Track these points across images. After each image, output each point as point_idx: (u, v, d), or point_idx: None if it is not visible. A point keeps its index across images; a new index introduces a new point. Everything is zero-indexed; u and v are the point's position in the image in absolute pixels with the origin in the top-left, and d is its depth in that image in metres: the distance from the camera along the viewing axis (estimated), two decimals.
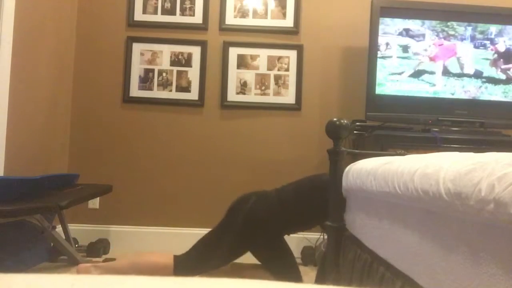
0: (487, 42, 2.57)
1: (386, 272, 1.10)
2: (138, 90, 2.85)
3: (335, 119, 1.60)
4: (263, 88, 2.85)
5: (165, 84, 2.86)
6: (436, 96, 2.55)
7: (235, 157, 2.82)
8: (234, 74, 2.85)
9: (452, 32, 2.55)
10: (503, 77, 2.57)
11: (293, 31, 2.87)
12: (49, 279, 0.39)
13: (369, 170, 1.25)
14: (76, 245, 2.57)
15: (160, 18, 2.88)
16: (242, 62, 2.86)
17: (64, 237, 2.28)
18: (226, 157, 2.81)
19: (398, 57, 2.54)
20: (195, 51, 2.86)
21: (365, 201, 1.36)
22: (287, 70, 2.86)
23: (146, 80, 2.86)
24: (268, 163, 2.82)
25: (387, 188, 1.06)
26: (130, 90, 2.85)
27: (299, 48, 2.85)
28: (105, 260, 2.14)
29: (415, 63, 2.54)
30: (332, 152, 1.60)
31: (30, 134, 2.39)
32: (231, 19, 2.86)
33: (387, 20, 2.53)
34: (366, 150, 2.26)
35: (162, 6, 2.88)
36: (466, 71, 2.55)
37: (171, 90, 2.85)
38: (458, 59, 2.56)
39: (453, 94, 2.55)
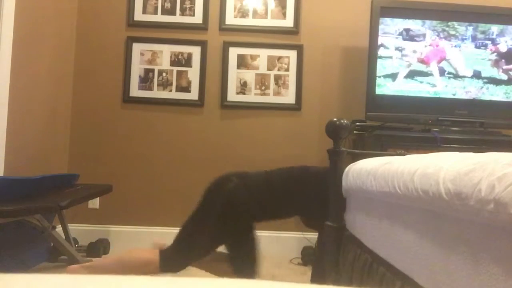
0: (489, 42, 2.56)
1: (386, 272, 1.10)
2: (138, 90, 2.85)
3: (335, 119, 1.60)
4: (263, 88, 2.85)
5: (165, 84, 2.86)
6: (437, 96, 2.55)
7: (235, 157, 2.82)
8: (234, 74, 2.85)
9: (453, 32, 2.55)
10: (505, 77, 2.57)
11: (293, 31, 2.87)
12: (49, 279, 0.39)
13: (369, 170, 1.25)
14: (76, 245, 2.57)
15: (160, 18, 2.88)
16: (242, 62, 2.86)
17: (64, 237, 2.28)
18: (226, 157, 2.81)
19: (396, 57, 2.54)
20: (195, 51, 2.86)
21: (365, 201, 1.36)
22: (287, 70, 2.86)
23: (146, 80, 2.86)
24: (268, 163, 2.81)
25: (387, 188, 1.06)
26: (130, 90, 2.85)
27: (299, 48, 2.85)
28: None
29: (407, 64, 2.54)
30: (332, 152, 1.60)
31: (30, 134, 2.39)
32: (231, 19, 2.86)
33: (387, 20, 2.53)
34: (366, 150, 2.26)
35: (162, 6, 2.88)
36: (461, 72, 2.55)
37: (171, 90, 2.85)
38: (448, 61, 2.55)
39: (454, 95, 2.55)
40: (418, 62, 2.54)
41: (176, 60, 2.87)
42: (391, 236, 1.10)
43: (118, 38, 2.87)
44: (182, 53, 2.87)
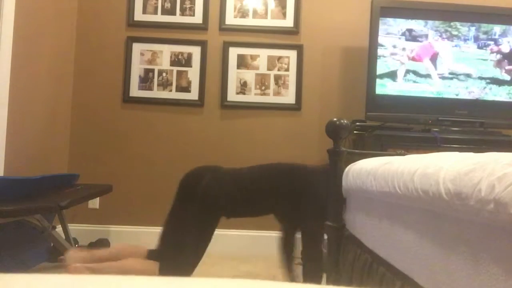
0: (491, 43, 2.55)
1: (386, 272, 1.10)
2: (138, 90, 2.85)
3: (335, 119, 1.60)
4: (263, 88, 2.85)
5: (165, 84, 2.86)
6: (439, 96, 2.55)
7: (235, 157, 2.81)
8: (234, 74, 2.85)
9: (455, 33, 2.54)
10: (508, 78, 2.56)
11: (293, 31, 2.87)
12: (49, 279, 0.39)
13: (369, 170, 1.25)
14: (76, 245, 2.56)
15: (160, 18, 2.88)
16: (242, 62, 2.86)
17: (64, 237, 2.28)
18: (226, 157, 2.81)
19: (398, 58, 2.54)
20: (195, 51, 2.86)
21: (365, 201, 1.36)
22: (287, 70, 2.86)
23: (146, 80, 2.86)
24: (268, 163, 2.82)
25: (387, 188, 1.06)
26: (130, 90, 2.85)
27: (299, 48, 2.85)
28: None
29: (403, 63, 2.54)
30: (332, 152, 1.60)
31: (30, 134, 2.39)
32: (231, 19, 2.86)
33: (390, 21, 2.52)
34: (366, 150, 2.26)
35: (162, 6, 2.88)
36: (458, 71, 2.54)
37: (171, 90, 2.85)
38: (440, 58, 2.54)
39: (457, 95, 2.55)
40: (410, 60, 2.53)
41: (176, 60, 2.87)
42: (391, 236, 1.10)
43: (118, 38, 2.87)
44: (182, 53, 2.87)
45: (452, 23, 2.55)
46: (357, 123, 2.50)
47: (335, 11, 2.89)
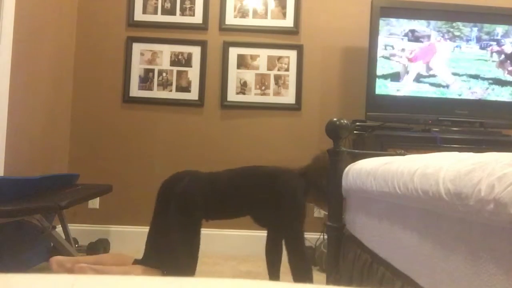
0: (493, 43, 2.55)
1: (386, 272, 1.10)
2: (138, 90, 2.85)
3: (335, 119, 1.60)
4: (263, 88, 2.85)
5: (165, 84, 2.86)
6: (440, 96, 2.55)
7: (235, 157, 2.81)
8: (234, 74, 2.85)
9: (457, 33, 2.54)
10: (510, 78, 2.56)
11: (293, 31, 2.87)
12: (49, 279, 0.39)
13: (369, 170, 1.25)
14: (76, 245, 2.56)
15: (160, 18, 2.88)
16: (242, 62, 2.86)
17: (64, 237, 2.28)
18: (226, 157, 2.81)
19: (400, 58, 2.54)
20: (195, 51, 2.86)
21: (365, 201, 1.36)
22: (287, 70, 2.86)
23: (146, 80, 2.86)
24: (268, 163, 2.81)
25: (387, 188, 1.06)
26: (130, 90, 2.85)
27: (299, 48, 2.85)
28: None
29: (404, 64, 2.54)
30: (332, 152, 1.60)
31: (30, 134, 2.39)
32: (231, 19, 2.86)
33: (393, 21, 2.52)
34: (366, 150, 2.26)
35: (162, 6, 2.88)
36: (461, 71, 2.54)
37: (171, 90, 2.85)
38: (443, 59, 2.54)
39: (460, 95, 2.54)
40: (413, 61, 2.53)
41: (176, 60, 2.87)
42: (391, 236, 1.10)
43: (118, 38, 2.87)
44: (182, 53, 2.87)
45: (454, 24, 2.55)
46: (357, 123, 2.50)
47: (335, 11, 2.89)
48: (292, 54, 2.86)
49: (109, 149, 2.83)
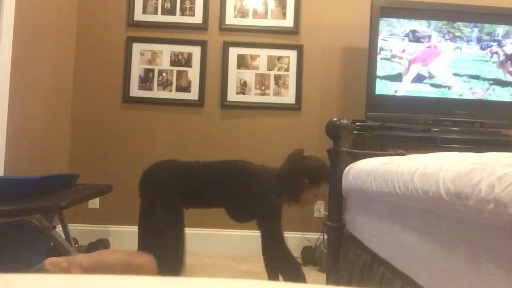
0: (494, 44, 2.55)
1: (386, 272, 1.10)
2: (138, 90, 2.85)
3: (335, 119, 1.60)
4: (263, 88, 2.85)
5: (165, 84, 2.86)
6: (440, 96, 2.54)
7: (235, 157, 2.80)
8: (234, 74, 2.85)
9: (458, 34, 2.54)
10: (511, 79, 2.56)
11: (293, 31, 2.87)
12: (49, 279, 0.39)
13: (369, 170, 1.25)
14: (76, 245, 2.56)
15: (160, 18, 2.88)
16: (242, 62, 2.86)
17: (64, 237, 2.27)
18: (226, 157, 2.80)
19: (402, 58, 2.54)
20: (195, 51, 2.86)
21: (365, 201, 1.36)
22: (287, 70, 2.86)
23: (146, 80, 2.86)
24: (268, 163, 2.82)
25: (387, 188, 1.06)
26: (130, 90, 2.85)
27: (299, 48, 2.85)
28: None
29: (406, 65, 2.53)
30: (332, 152, 1.60)
31: (30, 134, 2.39)
32: (231, 19, 2.86)
33: (394, 22, 2.52)
34: (366, 150, 2.26)
35: (162, 6, 2.88)
36: (462, 72, 2.54)
37: (171, 90, 2.85)
38: (444, 60, 2.54)
39: (461, 96, 2.54)
40: (414, 61, 2.53)
41: (176, 60, 2.87)
42: (391, 236, 1.10)
43: (118, 38, 2.87)
44: (182, 53, 2.87)
45: (455, 24, 2.54)
46: (357, 123, 2.50)
47: (335, 11, 2.88)
48: (292, 54, 2.86)
49: (109, 149, 2.83)
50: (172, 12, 2.88)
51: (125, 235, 2.77)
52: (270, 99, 2.85)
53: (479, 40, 2.55)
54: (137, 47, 2.86)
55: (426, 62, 2.54)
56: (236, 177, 1.79)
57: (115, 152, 2.83)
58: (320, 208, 2.79)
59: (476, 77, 2.55)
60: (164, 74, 2.86)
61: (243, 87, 2.85)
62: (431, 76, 2.54)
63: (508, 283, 0.63)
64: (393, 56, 2.52)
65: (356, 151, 1.95)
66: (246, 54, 2.86)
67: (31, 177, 2.06)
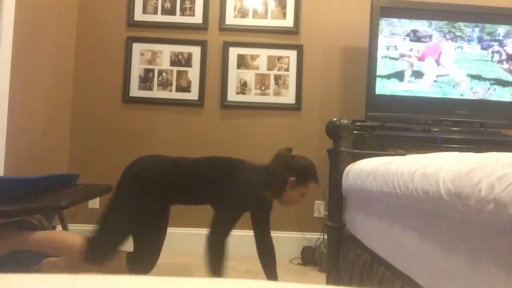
0: (495, 44, 2.55)
1: (386, 272, 1.10)
2: (138, 90, 2.85)
3: (335, 119, 1.60)
4: (263, 88, 2.85)
5: (165, 84, 2.86)
6: (441, 96, 2.54)
7: (235, 157, 2.81)
8: (234, 74, 2.85)
9: (459, 33, 2.54)
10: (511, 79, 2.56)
11: (293, 31, 2.87)
12: (49, 279, 0.39)
13: (369, 170, 1.25)
14: None
15: (160, 18, 2.88)
16: (242, 62, 2.86)
17: None
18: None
19: (402, 58, 2.54)
20: (195, 51, 2.86)
21: (365, 201, 1.36)
22: (287, 70, 2.86)
23: (146, 80, 2.86)
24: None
25: (387, 188, 1.06)
26: (130, 90, 2.85)
27: (299, 48, 2.85)
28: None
29: (409, 64, 2.53)
30: (332, 152, 1.60)
31: (30, 134, 2.39)
32: (231, 19, 2.86)
33: (395, 21, 2.52)
34: (366, 150, 2.26)
35: (162, 6, 2.88)
36: (463, 72, 2.54)
37: (171, 90, 2.85)
38: (446, 59, 2.54)
39: (462, 95, 2.54)
40: (416, 61, 2.53)
41: (176, 60, 2.87)
42: (391, 236, 1.10)
43: (118, 38, 2.87)
44: (182, 53, 2.87)
45: (456, 24, 2.54)
46: (357, 123, 2.50)
47: (335, 11, 2.88)
48: (292, 54, 2.86)
49: (109, 149, 2.83)
50: (172, 12, 2.88)
51: None
52: (270, 99, 2.85)
53: (480, 40, 2.55)
54: (137, 47, 2.86)
55: (429, 61, 2.53)
56: (222, 173, 1.78)
57: (115, 152, 2.83)
58: (320, 208, 2.79)
59: (477, 77, 2.55)
60: (164, 74, 2.86)
61: (243, 87, 2.85)
62: (433, 76, 2.54)
63: (508, 283, 0.63)
64: (402, 56, 2.52)
65: (356, 151, 1.95)
66: (246, 54, 2.86)
67: (31, 177, 2.06)
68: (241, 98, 2.85)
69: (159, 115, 2.85)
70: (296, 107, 2.84)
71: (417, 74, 2.54)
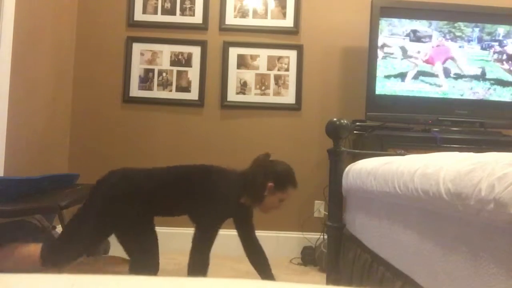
0: (495, 44, 2.55)
1: (386, 272, 1.10)
2: (138, 90, 2.85)
3: (335, 119, 1.60)
4: (263, 88, 2.85)
5: (165, 84, 2.86)
6: (440, 96, 2.54)
7: (235, 157, 2.81)
8: (234, 74, 2.85)
9: (458, 34, 2.54)
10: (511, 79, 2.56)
11: (293, 31, 2.86)
12: (49, 279, 0.39)
13: (369, 170, 1.25)
14: None
15: (160, 18, 2.87)
16: (242, 62, 2.86)
17: None
18: (226, 157, 2.81)
19: (403, 58, 2.54)
20: (195, 51, 2.86)
21: (365, 201, 1.36)
22: (287, 70, 2.86)
23: (146, 80, 2.86)
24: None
25: (387, 188, 1.06)
26: (130, 90, 2.85)
27: (299, 48, 2.85)
28: (109, 257, 2.13)
29: (414, 65, 2.54)
30: (332, 152, 1.60)
31: (30, 134, 2.39)
32: (231, 19, 2.86)
33: (395, 21, 2.52)
34: (366, 150, 2.26)
35: (162, 6, 2.88)
36: (466, 72, 2.54)
37: (171, 90, 2.85)
38: (454, 60, 2.54)
39: (462, 95, 2.55)
40: (424, 63, 2.53)
41: (176, 60, 2.87)
42: (391, 236, 1.10)
43: (118, 38, 2.87)
44: (182, 53, 2.87)
45: (456, 24, 2.54)
46: (357, 123, 2.50)
47: (335, 11, 2.88)
48: (292, 54, 2.86)
49: (109, 149, 2.83)
50: (172, 12, 2.88)
51: None
52: (270, 99, 2.85)
53: (480, 40, 2.55)
54: (137, 47, 2.86)
55: (435, 63, 2.53)
56: (195, 182, 1.75)
57: (115, 152, 2.83)
58: (320, 208, 2.79)
59: (477, 77, 2.55)
60: (164, 74, 2.86)
61: (243, 87, 2.85)
62: (434, 76, 2.54)
63: (508, 283, 0.63)
64: (409, 56, 2.52)
65: (356, 151, 1.96)
66: (246, 54, 2.86)
67: (31, 177, 2.06)
68: (241, 98, 2.85)
69: (159, 115, 2.85)
70: (296, 107, 2.84)
71: (423, 75, 2.53)
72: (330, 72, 2.88)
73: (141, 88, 2.85)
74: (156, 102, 2.84)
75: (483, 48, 2.55)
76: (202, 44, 2.85)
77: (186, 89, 2.86)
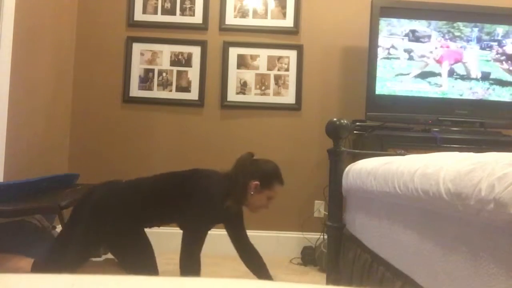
0: (494, 44, 2.55)
1: (386, 272, 1.10)
2: (138, 90, 2.85)
3: (335, 119, 1.60)
4: (263, 88, 2.85)
5: (165, 84, 2.86)
6: (440, 96, 2.54)
7: (235, 157, 2.80)
8: (234, 74, 2.85)
9: (458, 34, 2.54)
10: (511, 79, 2.56)
11: (293, 31, 2.86)
12: (49, 279, 0.39)
13: (369, 170, 1.25)
14: None
15: (160, 18, 2.87)
16: (242, 62, 2.86)
17: None
18: (226, 157, 2.80)
19: (403, 58, 2.54)
20: (195, 51, 2.86)
21: (365, 201, 1.36)
22: (287, 70, 2.86)
23: (146, 80, 2.86)
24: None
25: (387, 188, 1.06)
26: (130, 90, 2.85)
27: (299, 48, 2.85)
28: (106, 261, 2.14)
29: (422, 64, 2.53)
30: (332, 152, 1.60)
31: (30, 134, 2.39)
32: (231, 19, 2.86)
33: (394, 21, 2.52)
34: (366, 150, 2.26)
35: (162, 6, 2.88)
36: (473, 75, 2.54)
37: (171, 90, 2.85)
38: (464, 64, 2.54)
39: (461, 95, 2.55)
40: (436, 62, 2.53)
41: (176, 60, 2.87)
42: (391, 236, 1.10)
43: (118, 38, 2.87)
44: (182, 53, 2.87)
45: (455, 24, 2.54)
46: (357, 123, 2.50)
47: (335, 11, 2.88)
48: (292, 54, 2.86)
49: (109, 149, 2.83)
50: (172, 12, 2.88)
51: None
52: (270, 99, 2.85)
53: (479, 40, 2.55)
54: (137, 47, 2.86)
55: (442, 64, 2.53)
56: (179, 189, 1.74)
57: (115, 152, 2.83)
58: (320, 208, 2.79)
59: (480, 77, 2.55)
60: (164, 74, 2.86)
61: (243, 87, 2.85)
62: (434, 76, 2.54)
63: (508, 283, 0.63)
64: (422, 56, 2.51)
65: (356, 151, 1.96)
66: (246, 54, 2.86)
67: (31, 179, 2.06)
68: (241, 98, 2.85)
69: (159, 115, 2.85)
70: (296, 107, 2.84)
71: (424, 75, 2.53)
72: (330, 72, 2.88)
73: (141, 88, 2.85)
74: (156, 102, 2.84)
75: (482, 48, 2.55)
76: (202, 44, 2.85)
77: (186, 89, 2.86)
